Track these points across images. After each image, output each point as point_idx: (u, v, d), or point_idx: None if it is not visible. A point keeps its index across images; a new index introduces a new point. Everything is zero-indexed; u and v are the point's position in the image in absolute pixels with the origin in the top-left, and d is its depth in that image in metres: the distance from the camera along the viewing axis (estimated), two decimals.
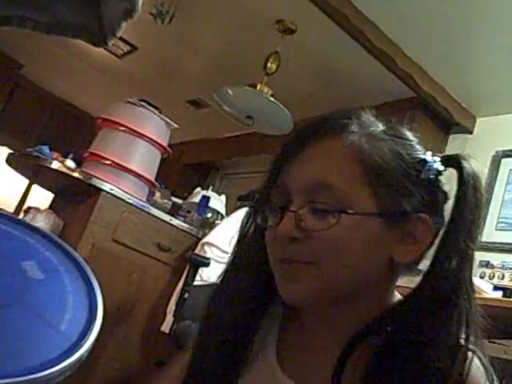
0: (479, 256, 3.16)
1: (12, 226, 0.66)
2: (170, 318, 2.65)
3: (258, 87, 3.22)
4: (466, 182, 0.70)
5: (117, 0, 0.60)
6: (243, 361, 0.77)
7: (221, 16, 3.55)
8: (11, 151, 3.30)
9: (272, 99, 3.14)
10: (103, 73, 5.12)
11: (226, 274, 0.82)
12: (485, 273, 3.09)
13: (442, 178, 0.73)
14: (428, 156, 0.73)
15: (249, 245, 0.80)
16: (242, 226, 0.81)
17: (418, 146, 0.74)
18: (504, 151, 3.35)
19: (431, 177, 0.71)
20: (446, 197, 0.73)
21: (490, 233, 3.21)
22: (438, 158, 0.73)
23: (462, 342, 0.66)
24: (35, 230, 0.66)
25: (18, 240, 0.63)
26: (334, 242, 0.68)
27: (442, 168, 0.72)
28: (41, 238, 0.65)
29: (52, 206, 3.14)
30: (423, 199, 0.71)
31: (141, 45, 4.22)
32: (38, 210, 2.89)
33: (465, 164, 0.71)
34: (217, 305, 0.80)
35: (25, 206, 3.10)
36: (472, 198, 0.70)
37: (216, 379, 0.76)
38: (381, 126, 0.75)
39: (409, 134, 0.75)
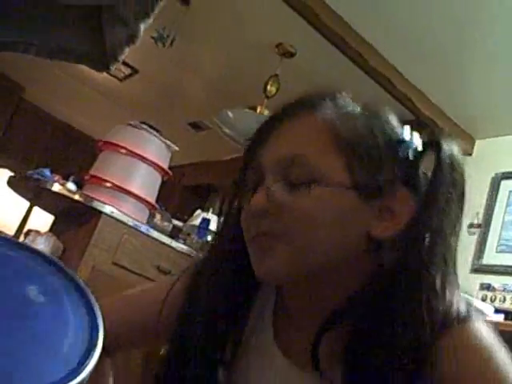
0: (480, 279, 3.15)
1: (13, 249, 0.66)
2: None
3: (258, 110, 3.25)
4: (442, 160, 0.69)
5: (119, 26, 0.61)
6: (235, 341, 0.76)
7: (221, 39, 3.59)
8: (12, 174, 3.31)
9: None
10: (105, 95, 5.16)
11: (207, 262, 0.80)
12: (486, 295, 3.07)
13: (423, 159, 0.72)
14: (406, 135, 0.72)
15: (229, 231, 0.78)
16: (224, 213, 0.80)
17: (396, 126, 0.73)
18: (503, 173, 3.36)
19: (410, 156, 0.71)
20: (426, 177, 0.71)
21: (490, 255, 3.21)
22: (417, 138, 0.73)
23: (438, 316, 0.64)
24: (36, 253, 0.66)
25: (20, 263, 0.63)
26: (305, 215, 0.66)
27: (420, 148, 0.72)
28: (42, 261, 0.65)
29: (52, 229, 3.14)
30: (403, 177, 0.70)
31: (142, 68, 4.26)
32: (38, 232, 2.89)
33: (443, 144, 0.71)
34: (201, 288, 0.78)
35: (25, 229, 3.10)
36: (448, 176, 0.69)
37: (202, 364, 0.75)
38: (357, 107, 0.74)
39: (388, 114, 0.74)
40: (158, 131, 3.07)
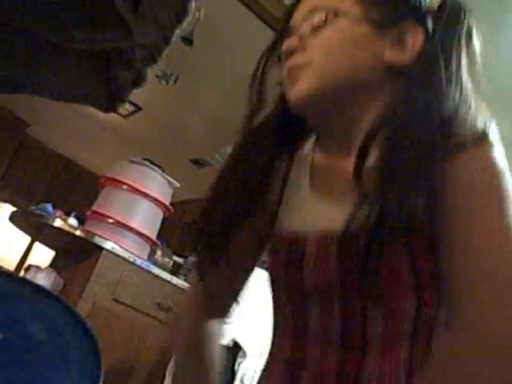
0: None
1: (17, 286, 0.66)
2: (169, 380, 2.59)
3: None
4: (446, 9, 0.81)
5: (126, 69, 0.63)
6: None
7: (223, 78, 3.65)
8: (15, 209, 3.32)
9: None
10: (108, 132, 5.21)
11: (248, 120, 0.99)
12: None
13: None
14: None
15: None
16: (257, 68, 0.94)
17: None
18: None
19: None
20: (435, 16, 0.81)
21: None
22: None
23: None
24: (40, 290, 0.66)
25: (23, 299, 0.63)
26: (324, 44, 0.79)
27: None
28: (46, 298, 0.65)
29: (53, 264, 3.13)
30: (413, 12, 0.80)
31: (145, 105, 4.32)
32: (38, 268, 2.88)
33: None
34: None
35: (25, 264, 3.09)
36: (453, 16, 0.80)
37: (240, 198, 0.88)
38: None
39: None
40: (159, 167, 3.09)
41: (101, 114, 4.75)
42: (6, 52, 0.63)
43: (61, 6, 0.56)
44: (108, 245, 2.66)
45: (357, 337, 0.74)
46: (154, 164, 3.08)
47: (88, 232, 2.71)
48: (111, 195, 2.99)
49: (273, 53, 0.89)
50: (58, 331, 0.61)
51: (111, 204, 2.94)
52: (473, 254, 0.67)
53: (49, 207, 2.85)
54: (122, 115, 4.64)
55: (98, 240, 2.66)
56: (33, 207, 2.91)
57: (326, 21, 0.80)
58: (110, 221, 2.85)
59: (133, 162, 3.06)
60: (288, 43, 0.83)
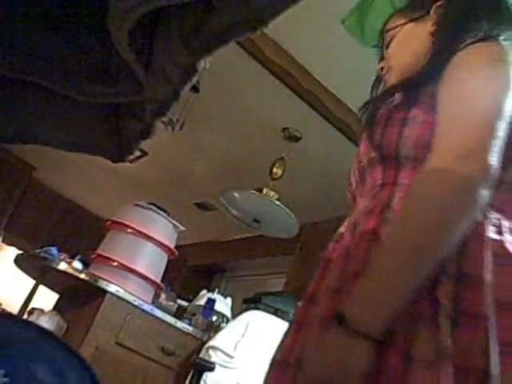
0: None
1: (24, 329, 0.67)
2: None
3: (264, 191, 3.30)
4: None
5: (135, 122, 0.66)
6: None
7: (229, 123, 3.71)
8: (20, 252, 3.33)
9: (278, 203, 3.21)
10: (113, 176, 5.26)
11: None
12: None
13: None
14: None
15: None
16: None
17: None
18: None
19: None
20: None
21: None
22: None
23: None
24: (46, 333, 0.67)
25: (30, 343, 0.64)
26: (392, 52, 1.17)
27: None
28: (51, 341, 0.66)
29: (56, 307, 3.12)
30: None
31: (151, 150, 4.38)
32: (41, 311, 2.87)
33: None
34: None
35: (29, 307, 3.09)
36: None
37: None
38: None
39: None
40: (165, 211, 3.11)
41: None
42: (19, 105, 0.66)
43: (74, 62, 0.59)
44: (112, 288, 2.66)
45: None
46: (159, 208, 3.11)
47: (92, 275, 2.71)
48: (116, 238, 3.01)
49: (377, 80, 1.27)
50: (63, 374, 0.62)
51: (116, 247, 2.95)
52: (448, 110, 0.86)
53: (54, 250, 2.86)
54: (127, 160, 4.69)
55: (102, 283, 2.66)
56: (38, 250, 2.92)
57: (391, 38, 1.16)
58: (115, 264, 2.86)
59: (138, 205, 3.09)
60: (379, 66, 1.22)
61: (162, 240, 3.01)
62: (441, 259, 0.75)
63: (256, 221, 3.40)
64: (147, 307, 2.79)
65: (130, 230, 2.96)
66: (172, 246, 3.09)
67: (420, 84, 0.95)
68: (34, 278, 3.20)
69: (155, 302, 3.05)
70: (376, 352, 0.73)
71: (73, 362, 0.67)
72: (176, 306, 3.26)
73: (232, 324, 2.91)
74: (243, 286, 5.25)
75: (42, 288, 3.20)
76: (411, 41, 1.12)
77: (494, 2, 1.05)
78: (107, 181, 5.43)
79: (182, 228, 3.15)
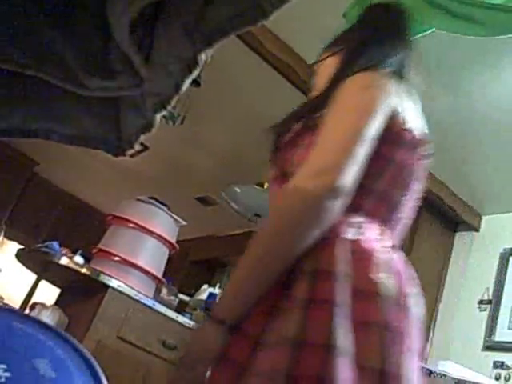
0: (493, 357, 3.07)
1: (25, 324, 0.67)
2: None
3: (266, 186, 3.30)
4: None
5: (135, 115, 0.66)
6: None
7: (229, 117, 3.70)
8: (21, 246, 3.33)
9: None
10: (114, 171, 5.26)
11: None
12: (500, 374, 2.99)
13: None
14: None
15: None
16: None
17: None
18: None
19: None
20: None
21: (502, 332, 3.14)
22: None
23: None
24: (48, 328, 0.67)
25: (31, 338, 0.64)
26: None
27: None
28: (53, 335, 0.66)
29: (58, 302, 3.12)
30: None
31: (152, 144, 4.37)
32: (43, 305, 2.87)
33: None
34: None
35: (31, 302, 3.09)
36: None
37: None
38: None
39: None
40: (166, 206, 3.11)
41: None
42: (20, 99, 0.65)
43: (73, 55, 0.59)
44: (114, 283, 2.66)
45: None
46: (160, 202, 3.10)
47: (94, 270, 2.71)
48: (117, 233, 3.01)
49: None
50: (64, 369, 0.62)
51: (117, 242, 2.95)
52: (320, 134, 0.97)
53: (55, 245, 2.86)
54: (128, 154, 4.69)
55: (103, 278, 2.66)
56: (39, 245, 2.92)
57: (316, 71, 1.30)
58: (116, 259, 2.86)
59: (139, 200, 3.09)
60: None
61: (164, 235, 3.01)
62: (291, 260, 0.90)
63: (257, 215, 3.40)
64: (149, 302, 2.79)
65: (131, 225, 2.96)
66: (173, 241, 3.09)
67: (315, 109, 1.07)
68: (36, 273, 3.20)
69: (157, 296, 3.06)
70: (228, 335, 0.91)
71: (74, 356, 0.66)
72: (177, 300, 3.26)
73: None
74: None
75: (43, 283, 3.20)
76: (327, 72, 1.18)
77: (398, 33, 1.22)
78: (109, 176, 5.42)
79: (183, 222, 3.14)
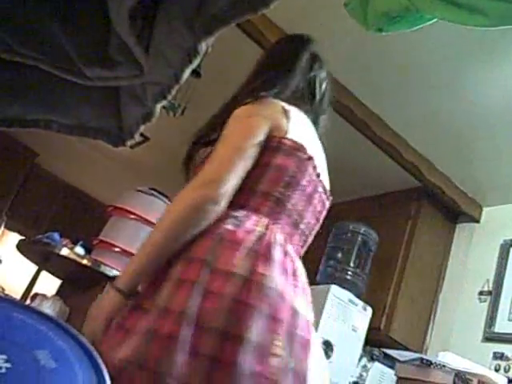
0: (493, 348, 3.08)
1: (26, 314, 0.67)
2: None
3: None
4: None
5: (136, 105, 0.65)
6: None
7: None
8: (22, 237, 3.33)
9: None
10: (115, 161, 5.25)
11: None
12: (499, 365, 3.00)
13: None
14: None
15: None
16: None
17: None
18: None
19: None
20: None
21: (502, 323, 3.15)
22: None
23: None
24: (48, 319, 0.67)
25: (32, 328, 0.64)
26: None
27: None
28: (54, 326, 0.66)
29: (59, 293, 3.13)
30: None
31: (152, 135, 4.37)
32: (44, 296, 2.88)
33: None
34: None
35: (32, 293, 3.10)
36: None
37: None
38: None
39: None
40: (166, 197, 3.11)
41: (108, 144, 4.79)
42: (20, 89, 0.65)
43: (74, 45, 0.58)
44: (114, 273, 2.67)
45: None
46: (161, 193, 3.10)
47: (94, 261, 2.72)
48: (118, 224, 3.01)
49: None
50: (65, 359, 0.62)
51: (118, 233, 2.96)
52: (210, 157, 1.24)
53: (56, 236, 2.86)
54: (129, 145, 4.68)
55: (104, 269, 2.67)
56: (40, 236, 2.92)
57: None
58: (117, 249, 2.86)
59: (140, 191, 3.09)
60: None
61: None
62: (175, 248, 1.15)
63: None
64: None
65: (131, 216, 2.96)
66: None
67: (213, 130, 1.38)
68: (37, 264, 3.21)
69: None
70: (124, 302, 1.15)
71: (75, 347, 0.66)
72: None
73: None
74: None
75: (44, 273, 3.20)
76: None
77: (291, 64, 1.47)
78: (109, 167, 5.42)
79: None
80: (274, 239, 1.20)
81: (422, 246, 3.55)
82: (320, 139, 1.59)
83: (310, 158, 1.35)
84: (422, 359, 2.26)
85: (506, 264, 3.30)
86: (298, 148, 1.31)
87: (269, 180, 1.26)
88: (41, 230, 4.27)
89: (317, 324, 2.99)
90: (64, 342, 0.66)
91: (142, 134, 4.39)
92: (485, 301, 3.28)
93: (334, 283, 3.20)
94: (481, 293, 3.31)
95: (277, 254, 1.18)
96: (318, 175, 1.39)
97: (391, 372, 2.89)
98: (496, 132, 2.96)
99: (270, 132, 1.28)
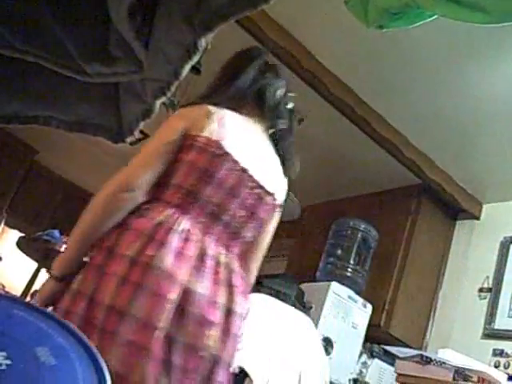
0: (493, 345, 3.08)
1: (26, 312, 0.67)
2: None
3: None
4: None
5: (135, 102, 0.65)
6: None
7: None
8: (22, 235, 3.33)
9: None
10: (115, 158, 5.24)
11: None
12: (499, 362, 3.00)
13: None
14: None
15: None
16: None
17: None
18: None
19: None
20: None
21: (502, 320, 3.15)
22: None
23: None
24: (48, 316, 0.67)
25: (32, 325, 0.64)
26: None
27: None
28: (54, 323, 0.66)
29: None
30: None
31: (152, 132, 4.35)
32: None
33: None
34: None
35: (32, 290, 3.10)
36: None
37: None
38: None
39: None
40: None
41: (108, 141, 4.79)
42: (19, 86, 0.65)
43: (73, 41, 0.58)
44: None
45: None
46: None
47: None
48: None
49: None
50: (65, 356, 0.62)
51: None
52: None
53: (56, 233, 2.86)
54: (128, 142, 4.67)
55: None
56: (40, 233, 2.92)
57: None
58: None
59: None
60: None
61: None
62: (96, 237, 1.35)
63: None
64: None
65: None
66: None
67: None
68: (37, 261, 3.21)
69: None
70: (59, 286, 1.33)
71: (75, 344, 0.66)
72: None
73: None
74: None
75: (44, 270, 3.21)
76: None
77: (233, 74, 1.58)
78: (109, 163, 5.40)
79: None
80: (177, 227, 1.34)
81: (422, 243, 3.55)
82: (279, 142, 1.72)
83: (226, 154, 1.42)
84: (421, 356, 2.26)
85: (505, 261, 3.30)
86: (212, 145, 1.40)
87: (181, 175, 1.40)
88: (41, 227, 4.27)
89: (317, 321, 3.00)
90: (64, 339, 0.66)
91: (141, 131, 4.38)
92: (485, 298, 3.28)
93: (334, 280, 3.20)
94: (481, 290, 3.31)
95: (174, 239, 1.31)
96: (244, 170, 1.46)
97: (391, 369, 2.89)
98: (496, 129, 2.96)
99: (187, 131, 1.40)
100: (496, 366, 2.94)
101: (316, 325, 2.94)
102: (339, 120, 3.19)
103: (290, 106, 1.81)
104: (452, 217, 3.72)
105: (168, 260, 1.27)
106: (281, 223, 4.15)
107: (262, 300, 2.85)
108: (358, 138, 3.29)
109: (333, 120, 3.27)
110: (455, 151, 3.27)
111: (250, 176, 1.48)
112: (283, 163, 1.71)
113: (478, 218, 3.63)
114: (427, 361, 2.22)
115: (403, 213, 3.59)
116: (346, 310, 3.12)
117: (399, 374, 2.32)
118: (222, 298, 1.36)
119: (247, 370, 2.53)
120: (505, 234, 3.38)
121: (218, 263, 1.38)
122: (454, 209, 3.66)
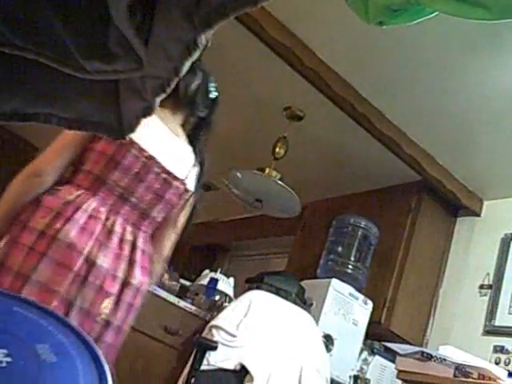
0: (493, 341, 3.09)
1: (27, 309, 0.67)
2: None
3: (267, 171, 3.29)
4: None
5: (135, 98, 0.65)
6: None
7: (231, 103, 3.68)
8: None
9: (280, 183, 3.20)
10: None
11: None
12: (499, 358, 3.00)
13: None
14: None
15: None
16: None
17: None
18: None
19: None
20: None
21: (503, 316, 3.15)
22: None
23: None
24: (49, 313, 0.67)
25: (33, 323, 0.64)
26: None
27: None
28: (54, 320, 0.66)
29: None
30: None
31: None
32: None
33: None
34: None
35: None
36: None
37: None
38: None
39: None
40: None
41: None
42: (19, 83, 0.65)
43: (71, 37, 0.58)
44: None
45: None
46: None
47: None
48: None
49: None
50: (66, 353, 0.62)
51: None
52: None
53: None
54: None
55: None
56: None
57: None
58: None
59: None
60: None
61: None
62: (12, 214, 1.50)
63: (258, 200, 3.40)
64: (150, 287, 2.80)
65: None
66: None
67: None
68: None
69: (158, 281, 3.06)
70: None
71: (75, 341, 0.66)
72: (179, 285, 3.27)
73: (234, 303, 2.93)
74: (246, 266, 5.27)
75: None
76: None
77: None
78: None
79: None
80: (85, 206, 1.52)
81: (423, 240, 3.55)
82: (193, 132, 2.03)
83: (132, 143, 1.59)
84: (422, 352, 2.27)
85: (506, 258, 3.30)
86: None
87: (91, 162, 1.58)
88: None
89: (317, 318, 3.00)
90: (64, 336, 0.66)
91: None
92: (485, 294, 3.28)
93: (335, 277, 3.20)
94: (481, 286, 3.31)
95: (80, 216, 1.49)
96: (151, 157, 1.63)
97: (392, 365, 2.89)
98: (497, 126, 2.95)
99: None
100: (497, 363, 2.94)
101: (317, 322, 2.95)
102: (340, 117, 3.19)
103: (212, 95, 2.12)
104: (453, 214, 3.72)
105: (72, 233, 1.46)
106: (281, 220, 4.20)
107: (263, 297, 2.86)
108: (359, 135, 3.29)
109: (333, 117, 3.27)
110: (456, 148, 3.27)
111: (158, 163, 1.65)
112: (194, 152, 1.94)
113: (478, 215, 3.63)
114: (428, 357, 2.22)
115: (404, 210, 3.59)
116: (346, 307, 3.12)
117: (400, 371, 2.33)
118: (121, 272, 1.54)
119: (248, 366, 2.53)
120: (505, 230, 3.38)
121: (122, 240, 1.56)
122: (455, 205, 3.66)
